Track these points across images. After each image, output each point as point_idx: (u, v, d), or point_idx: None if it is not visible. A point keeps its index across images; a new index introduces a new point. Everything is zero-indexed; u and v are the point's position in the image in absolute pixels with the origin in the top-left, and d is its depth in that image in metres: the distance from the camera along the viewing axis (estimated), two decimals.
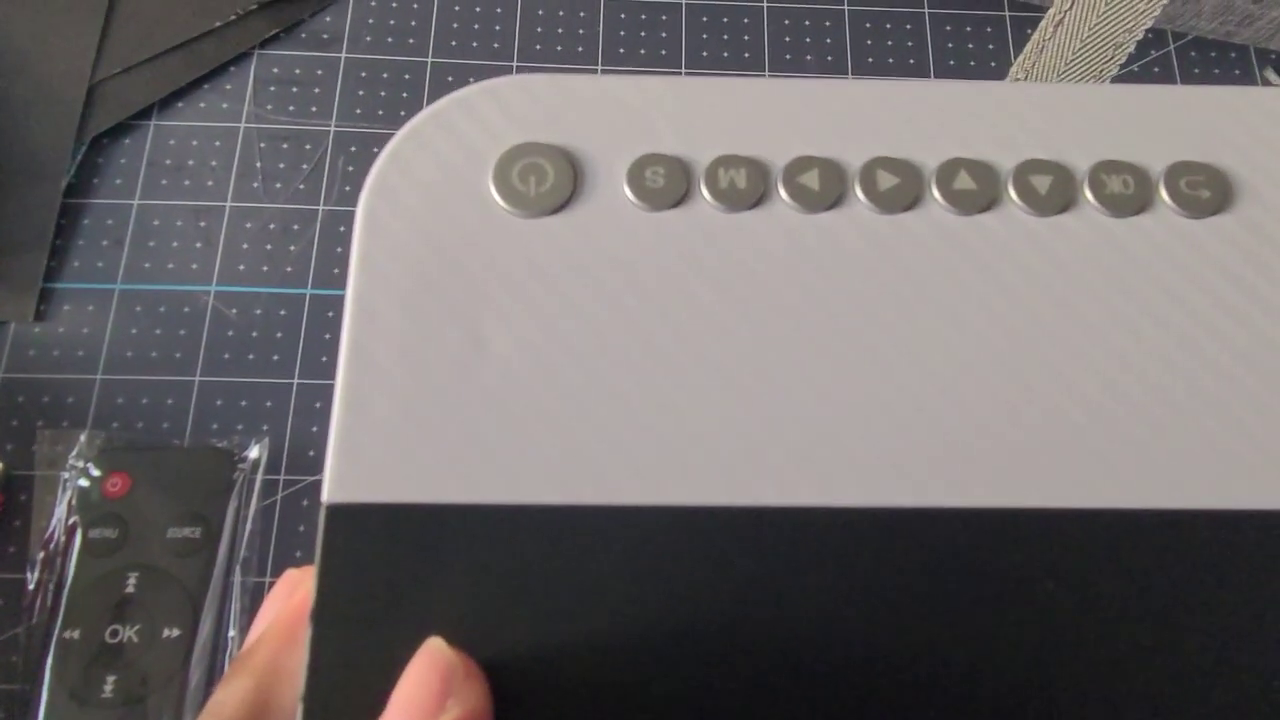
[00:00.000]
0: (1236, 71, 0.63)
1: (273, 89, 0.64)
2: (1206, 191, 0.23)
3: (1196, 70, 0.62)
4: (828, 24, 0.65)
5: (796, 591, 0.20)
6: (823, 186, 0.23)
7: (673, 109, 0.24)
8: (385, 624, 0.20)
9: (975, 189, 0.23)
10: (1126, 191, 0.23)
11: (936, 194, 0.23)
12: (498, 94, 0.24)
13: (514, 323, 0.22)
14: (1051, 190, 0.23)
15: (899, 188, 0.23)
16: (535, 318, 0.22)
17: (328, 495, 0.20)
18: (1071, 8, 0.41)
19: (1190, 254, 0.23)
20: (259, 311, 0.59)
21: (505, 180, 0.23)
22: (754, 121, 0.24)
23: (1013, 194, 0.23)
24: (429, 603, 0.20)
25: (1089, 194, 0.23)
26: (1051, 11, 0.42)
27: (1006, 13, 0.65)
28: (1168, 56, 0.61)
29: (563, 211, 0.23)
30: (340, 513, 0.20)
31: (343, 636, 0.20)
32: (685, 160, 0.23)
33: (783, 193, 0.23)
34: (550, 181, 0.23)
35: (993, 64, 0.64)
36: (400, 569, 0.20)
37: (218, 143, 0.62)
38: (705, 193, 0.23)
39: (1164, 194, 0.23)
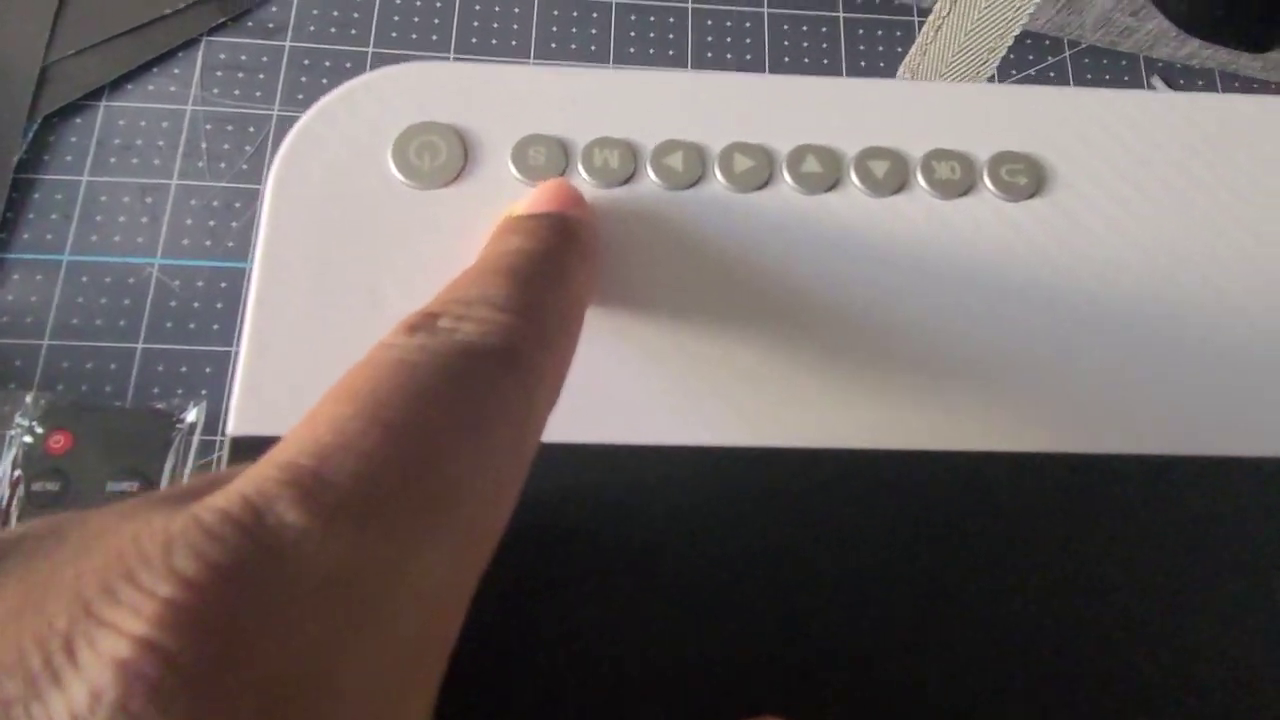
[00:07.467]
0: (1126, 78, 0.66)
1: (219, 74, 0.66)
2: (1024, 178, 0.26)
3: (1089, 76, 0.66)
4: (748, 25, 0.68)
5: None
6: (686, 167, 0.25)
7: (556, 95, 0.26)
8: None
9: (821, 172, 0.26)
10: (954, 176, 0.26)
11: (787, 176, 0.26)
12: (399, 78, 0.26)
13: (407, 281, 0.24)
14: (888, 174, 0.26)
15: (754, 170, 0.26)
16: (427, 277, 0.24)
17: (233, 428, 0.23)
18: (949, 14, 0.44)
19: (1007, 232, 0.25)
20: (201, 284, 0.61)
21: (403, 155, 0.25)
22: (628, 108, 0.26)
23: (854, 177, 0.26)
24: None
25: (920, 178, 0.26)
26: (932, 17, 0.45)
27: (915, 18, 0.68)
28: (1063, 63, 0.64)
29: (453, 184, 0.25)
30: (243, 444, 0.23)
31: None
32: (565, 141, 0.25)
33: (650, 172, 0.25)
34: (443, 157, 0.25)
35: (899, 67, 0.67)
36: None
37: (165, 124, 0.64)
38: (581, 170, 0.25)
39: (987, 179, 0.26)
